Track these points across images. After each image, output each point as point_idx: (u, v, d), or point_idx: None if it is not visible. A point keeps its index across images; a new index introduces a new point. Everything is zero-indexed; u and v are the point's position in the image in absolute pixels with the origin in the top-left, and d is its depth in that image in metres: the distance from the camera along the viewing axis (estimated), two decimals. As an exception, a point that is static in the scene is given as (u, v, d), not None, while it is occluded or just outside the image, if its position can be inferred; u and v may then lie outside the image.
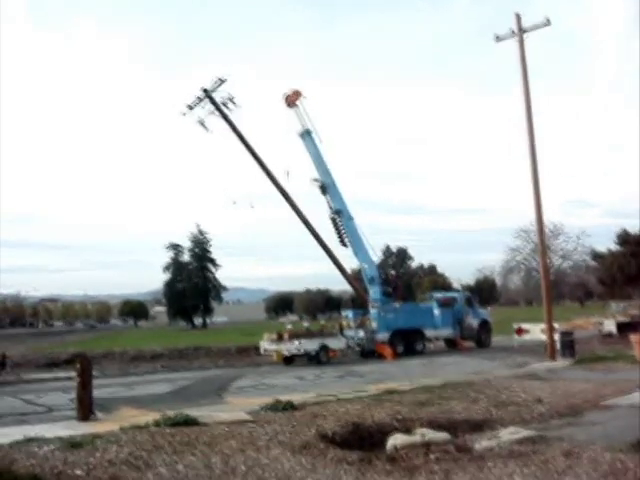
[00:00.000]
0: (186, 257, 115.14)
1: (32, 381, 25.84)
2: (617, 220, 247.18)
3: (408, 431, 10.14)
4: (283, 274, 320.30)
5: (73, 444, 9.54)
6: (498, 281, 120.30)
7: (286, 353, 30.15)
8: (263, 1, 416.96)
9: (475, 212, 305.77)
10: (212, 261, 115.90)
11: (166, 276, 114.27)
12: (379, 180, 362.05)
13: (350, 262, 38.63)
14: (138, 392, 20.86)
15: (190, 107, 34.59)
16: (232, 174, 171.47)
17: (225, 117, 34.59)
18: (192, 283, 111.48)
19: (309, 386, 20.78)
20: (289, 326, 34.44)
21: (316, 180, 34.80)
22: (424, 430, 10.02)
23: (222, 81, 34.45)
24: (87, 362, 14.59)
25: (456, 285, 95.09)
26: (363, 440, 10.42)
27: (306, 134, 34.68)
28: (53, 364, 31.29)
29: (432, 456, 8.66)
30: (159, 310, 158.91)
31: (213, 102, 34.50)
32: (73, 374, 15.07)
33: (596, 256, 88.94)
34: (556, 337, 25.88)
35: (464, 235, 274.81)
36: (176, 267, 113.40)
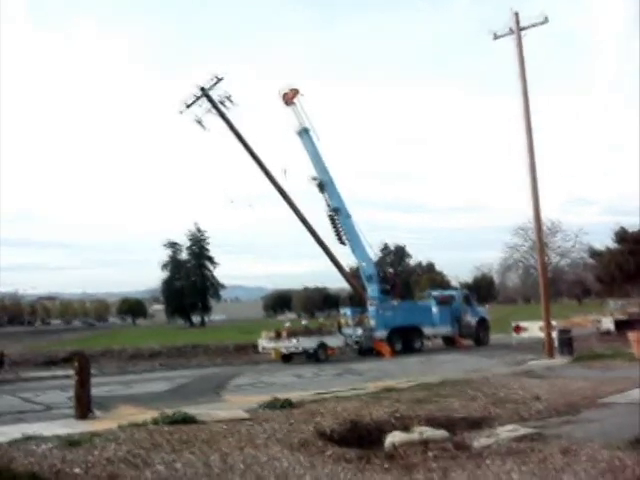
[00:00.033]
0: (184, 255, 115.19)
1: (30, 379, 25.82)
2: (615, 218, 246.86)
3: (406, 429, 10.15)
4: (281, 272, 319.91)
5: (71, 442, 9.54)
6: (496, 279, 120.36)
7: (284, 351, 30.18)
8: (263, 1, 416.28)
9: (474, 210, 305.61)
10: (210, 259, 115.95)
11: (164, 274, 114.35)
12: (378, 179, 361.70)
13: (348, 260, 38.72)
14: (136, 390, 20.86)
15: (187, 105, 34.58)
16: (230, 173, 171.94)
17: (222, 115, 34.58)
18: (190, 281, 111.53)
19: (307, 384, 20.77)
20: (287, 324, 34.47)
21: (314, 178, 34.82)
22: (422, 428, 10.03)
23: (219, 79, 34.46)
24: (85, 360, 14.57)
25: (454, 283, 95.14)
26: (361, 438, 10.43)
27: (304, 132, 34.69)
28: (51, 362, 31.29)
29: (430, 454, 8.67)
30: (157, 308, 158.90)
31: (210, 100, 34.49)
32: (71, 372, 15.06)
33: (594, 254, 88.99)
34: (554, 335, 25.92)
35: (462, 233, 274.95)
36: (174, 265, 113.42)
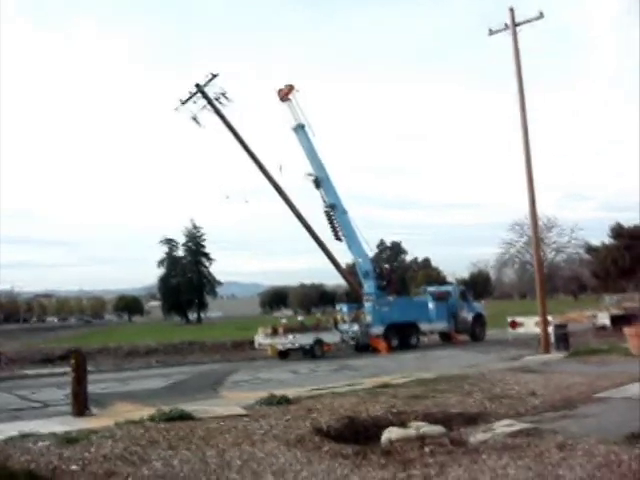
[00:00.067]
0: (180, 252, 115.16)
1: (27, 377, 25.81)
2: (611, 214, 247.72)
3: (403, 424, 10.17)
4: (277, 268, 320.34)
5: (68, 439, 9.54)
6: (492, 275, 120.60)
7: (281, 347, 30.20)
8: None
9: (470, 206, 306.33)
10: (206, 255, 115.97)
11: (161, 271, 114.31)
12: (374, 174, 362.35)
13: (344, 256, 38.74)
14: (133, 387, 20.87)
15: (182, 102, 34.57)
16: (226, 169, 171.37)
17: (217, 112, 34.57)
18: (186, 278, 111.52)
19: (304, 380, 20.83)
20: (283, 320, 34.49)
21: (310, 174, 34.82)
22: (419, 423, 10.05)
23: (214, 76, 34.45)
24: (82, 357, 14.57)
25: (450, 279, 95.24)
26: (358, 434, 10.44)
27: (299, 128, 34.70)
28: (48, 360, 31.21)
29: (427, 449, 8.68)
30: (154, 305, 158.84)
31: (205, 97, 34.48)
32: (68, 370, 15.04)
33: (590, 249, 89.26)
34: (550, 330, 25.97)
35: (458, 229, 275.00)
36: (170, 262, 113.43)
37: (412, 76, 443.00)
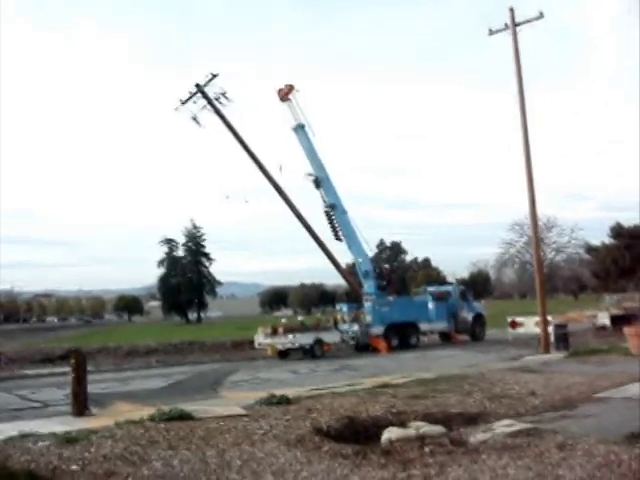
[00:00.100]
0: (180, 252, 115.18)
1: (26, 377, 25.81)
2: (611, 214, 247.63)
3: (403, 424, 10.17)
4: (277, 268, 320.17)
5: (68, 439, 9.54)
6: (492, 274, 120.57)
7: (280, 347, 30.19)
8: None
9: (470, 206, 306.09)
10: (206, 255, 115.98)
11: (160, 271, 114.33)
12: (374, 174, 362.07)
13: (344, 256, 38.73)
14: (133, 387, 20.88)
15: (182, 102, 34.58)
16: (226, 169, 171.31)
17: (217, 111, 34.58)
18: (186, 278, 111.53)
19: (304, 380, 20.82)
20: (283, 320, 34.49)
21: (310, 174, 34.83)
22: (419, 423, 10.05)
23: (214, 76, 34.47)
24: (82, 357, 14.57)
25: (450, 279, 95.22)
26: (358, 434, 10.44)
27: (299, 128, 34.71)
28: (47, 360, 31.21)
29: (427, 449, 8.68)
30: (153, 305, 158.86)
31: (205, 97, 34.49)
32: (67, 369, 15.04)
33: (590, 249, 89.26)
34: (550, 330, 25.97)
35: (458, 229, 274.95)
36: (170, 262, 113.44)
37: (412, 76, 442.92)
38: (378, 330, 33.02)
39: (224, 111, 34.61)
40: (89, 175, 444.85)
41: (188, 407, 12.16)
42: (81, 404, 13.52)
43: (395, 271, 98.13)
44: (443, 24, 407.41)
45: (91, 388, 14.56)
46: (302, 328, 32.03)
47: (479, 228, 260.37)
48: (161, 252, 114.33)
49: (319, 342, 30.70)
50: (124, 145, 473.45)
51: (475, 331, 37.84)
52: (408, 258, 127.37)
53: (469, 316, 37.91)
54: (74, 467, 8.06)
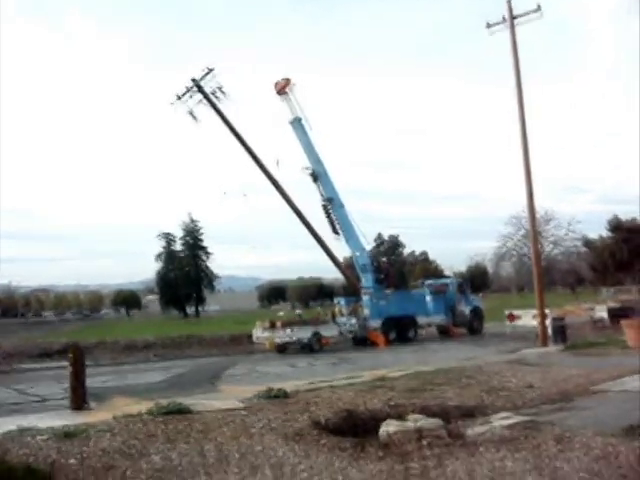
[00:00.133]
0: (178, 246, 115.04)
1: (25, 371, 25.84)
2: (608, 207, 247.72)
3: (401, 417, 10.18)
4: (275, 262, 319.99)
5: (67, 434, 9.53)
6: (490, 268, 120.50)
7: (279, 341, 30.23)
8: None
9: (468, 200, 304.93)
10: (204, 249, 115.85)
11: (158, 264, 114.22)
12: (372, 168, 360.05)
13: (342, 250, 38.71)
14: (131, 381, 20.90)
15: (179, 97, 34.52)
16: (223, 164, 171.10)
17: (214, 106, 34.51)
18: (184, 272, 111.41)
19: (302, 374, 20.85)
20: (281, 313, 34.53)
21: (307, 168, 34.82)
22: (416, 416, 10.07)
23: (210, 70, 34.41)
24: (80, 352, 14.57)
25: (448, 272, 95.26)
26: (356, 427, 10.45)
27: (296, 122, 34.69)
28: (46, 354, 31.24)
29: (424, 442, 8.71)
30: (151, 299, 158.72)
31: (202, 91, 34.43)
32: (66, 364, 15.04)
33: (588, 243, 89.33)
34: (548, 323, 26.01)
35: (456, 223, 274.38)
36: (168, 256, 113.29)
37: (410, 70, 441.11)
38: (376, 324, 33.06)
39: (220, 105, 34.57)
40: (87, 170, 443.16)
41: (186, 401, 12.18)
42: (79, 398, 13.53)
43: (393, 265, 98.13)
44: (442, 18, 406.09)
45: (89, 382, 14.56)
46: (300, 322, 32.07)
47: (477, 221, 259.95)
48: (159, 246, 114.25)
49: (317, 336, 30.73)
50: (122, 140, 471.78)
51: (473, 324, 37.89)
52: (406, 252, 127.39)
53: (467, 310, 37.96)
54: (72, 461, 8.07)
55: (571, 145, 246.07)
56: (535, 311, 27.01)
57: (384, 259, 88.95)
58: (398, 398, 12.34)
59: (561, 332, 25.65)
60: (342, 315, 33.69)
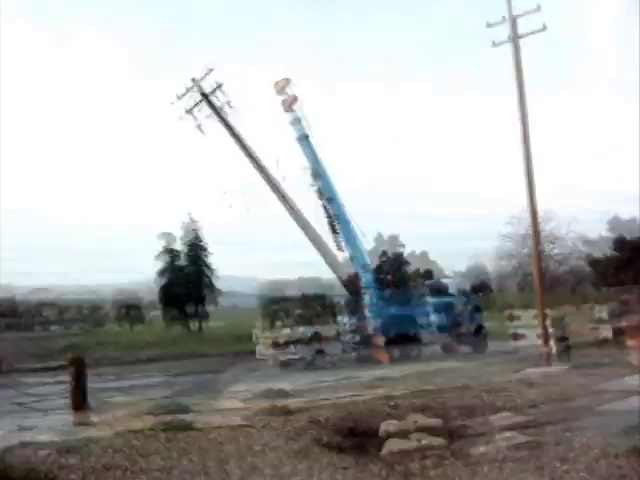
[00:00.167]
0: (178, 246, 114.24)
1: (25, 385, 25.75)
2: (608, 205, 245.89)
3: (405, 437, 10.12)
4: (274, 262, 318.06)
5: (67, 449, 9.49)
6: (490, 268, 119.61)
7: (282, 358, 30.18)
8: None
9: (469, 200, 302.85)
10: (204, 249, 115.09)
11: (158, 264, 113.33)
12: (372, 167, 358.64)
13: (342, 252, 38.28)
14: (133, 396, 20.80)
15: (179, 97, 34.51)
16: (224, 165, 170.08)
17: (212, 106, 34.43)
18: (188, 287, 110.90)
19: (305, 391, 20.69)
20: (285, 331, 34.38)
21: (307, 168, 34.75)
22: (420, 434, 10.01)
23: (210, 70, 34.40)
24: (81, 365, 14.55)
25: (448, 272, 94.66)
26: (359, 444, 10.39)
27: (296, 122, 34.67)
28: (48, 368, 31.11)
29: (428, 461, 8.64)
30: (155, 315, 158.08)
31: (201, 92, 34.41)
32: (67, 378, 15.00)
33: (593, 262, 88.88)
34: (552, 343, 25.85)
35: (457, 223, 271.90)
36: (171, 270, 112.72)
37: (412, 74, 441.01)
38: (380, 341, 32.95)
39: (218, 104, 34.43)
40: (87, 170, 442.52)
41: (189, 417, 12.12)
42: (81, 412, 13.49)
43: (393, 265, 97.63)
44: (443, 24, 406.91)
45: (91, 396, 14.53)
46: (303, 339, 31.98)
47: (478, 221, 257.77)
48: (159, 246, 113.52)
49: (320, 353, 30.66)
50: (121, 140, 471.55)
51: (477, 342, 37.66)
52: (406, 252, 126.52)
53: (471, 327, 37.74)
54: (73, 477, 8.03)
55: (570, 143, 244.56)
56: (535, 311, 26.96)
57: (384, 259, 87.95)
58: (401, 415, 12.24)
59: (566, 351, 25.51)
60: (345, 333, 33.62)
